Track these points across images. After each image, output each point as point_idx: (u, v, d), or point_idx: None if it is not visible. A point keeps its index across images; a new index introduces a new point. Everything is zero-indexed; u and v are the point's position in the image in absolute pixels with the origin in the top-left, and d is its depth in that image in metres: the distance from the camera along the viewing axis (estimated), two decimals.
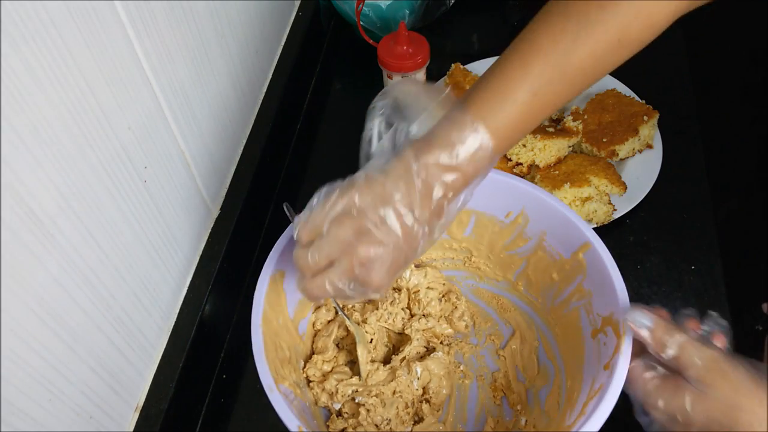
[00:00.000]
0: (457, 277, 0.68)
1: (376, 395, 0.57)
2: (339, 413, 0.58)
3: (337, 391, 0.57)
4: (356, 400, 0.57)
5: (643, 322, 0.46)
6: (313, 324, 0.62)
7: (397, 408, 0.57)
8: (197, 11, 0.59)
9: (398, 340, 0.64)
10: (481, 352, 0.63)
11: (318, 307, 0.63)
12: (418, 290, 0.64)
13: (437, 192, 0.44)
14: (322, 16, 0.95)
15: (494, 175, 0.58)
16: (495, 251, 0.65)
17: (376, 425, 0.56)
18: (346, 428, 0.57)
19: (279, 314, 0.56)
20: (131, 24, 0.49)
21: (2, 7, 0.36)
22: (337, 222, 0.45)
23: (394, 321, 0.63)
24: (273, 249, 0.56)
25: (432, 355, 0.61)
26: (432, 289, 0.65)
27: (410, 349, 0.61)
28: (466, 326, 0.64)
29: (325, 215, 0.45)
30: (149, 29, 0.51)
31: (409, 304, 0.65)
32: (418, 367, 0.59)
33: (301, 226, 0.47)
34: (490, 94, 0.45)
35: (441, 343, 0.63)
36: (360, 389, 0.57)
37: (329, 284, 0.45)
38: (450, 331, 0.63)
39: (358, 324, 0.62)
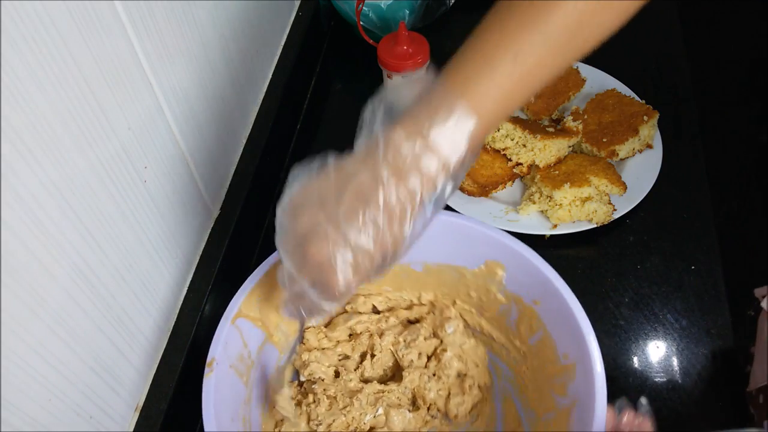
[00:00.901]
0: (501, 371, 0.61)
1: (331, 396, 0.56)
2: (300, 384, 0.58)
3: (307, 365, 0.57)
4: (313, 386, 0.57)
5: None
6: None
7: (335, 421, 0.55)
8: (197, 11, 0.59)
9: (395, 372, 0.61)
10: None
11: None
12: (446, 350, 0.59)
13: (412, 180, 0.40)
14: (322, 16, 0.95)
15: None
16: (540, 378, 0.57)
17: (309, 418, 0.56)
18: (294, 397, 0.57)
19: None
20: (131, 24, 0.49)
21: (2, 7, 0.36)
22: (293, 215, 0.42)
23: (403, 355, 0.59)
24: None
25: (401, 410, 0.57)
26: (462, 360, 0.59)
27: (392, 391, 0.58)
28: (457, 416, 0.58)
29: (286, 206, 0.42)
30: (149, 29, 0.51)
31: (435, 352, 0.60)
32: (380, 409, 0.57)
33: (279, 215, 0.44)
34: (468, 66, 0.40)
35: (423, 408, 0.58)
36: (324, 380, 0.57)
37: (288, 290, 0.43)
38: (439, 410, 0.59)
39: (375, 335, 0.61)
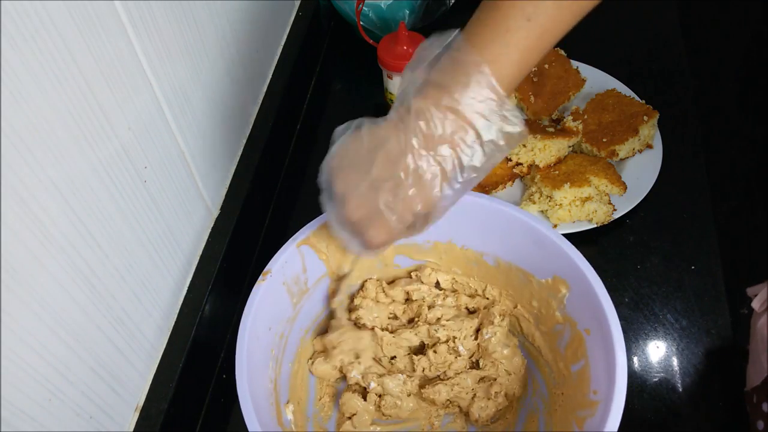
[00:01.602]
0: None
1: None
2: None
3: (356, 310, 0.61)
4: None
5: None
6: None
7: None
8: (197, 11, 0.59)
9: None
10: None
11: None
12: (488, 347, 0.60)
13: (440, 146, 0.43)
14: (322, 16, 0.95)
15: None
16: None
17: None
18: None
19: None
20: (131, 24, 0.49)
21: (2, 7, 0.36)
22: (332, 175, 0.46)
23: (438, 338, 0.60)
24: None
25: (398, 377, 0.59)
26: (494, 366, 0.59)
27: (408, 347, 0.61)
28: (478, 420, 0.58)
29: (325, 166, 0.47)
30: (149, 29, 0.51)
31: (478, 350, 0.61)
32: (372, 382, 0.59)
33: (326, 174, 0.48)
34: (486, 31, 0.42)
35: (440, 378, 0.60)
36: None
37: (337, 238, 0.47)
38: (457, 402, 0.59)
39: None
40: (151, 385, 0.56)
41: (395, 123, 0.44)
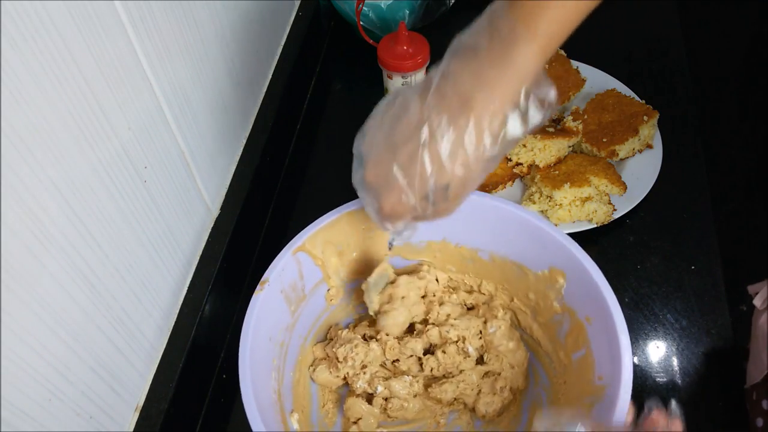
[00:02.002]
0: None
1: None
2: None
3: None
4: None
5: None
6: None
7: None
8: (197, 11, 0.59)
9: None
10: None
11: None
12: (493, 340, 0.60)
13: (460, 118, 0.41)
14: (322, 16, 0.95)
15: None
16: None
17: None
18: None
19: None
20: (131, 24, 0.49)
21: (2, 7, 0.36)
22: (362, 138, 0.46)
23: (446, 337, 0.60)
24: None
25: (404, 378, 0.59)
26: (498, 360, 0.59)
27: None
28: (485, 416, 0.58)
29: (361, 130, 0.47)
30: (149, 29, 0.51)
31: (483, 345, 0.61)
32: (379, 386, 0.59)
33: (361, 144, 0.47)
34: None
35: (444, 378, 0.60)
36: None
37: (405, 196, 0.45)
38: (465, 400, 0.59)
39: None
40: (151, 385, 0.56)
41: (421, 89, 0.44)
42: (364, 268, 0.63)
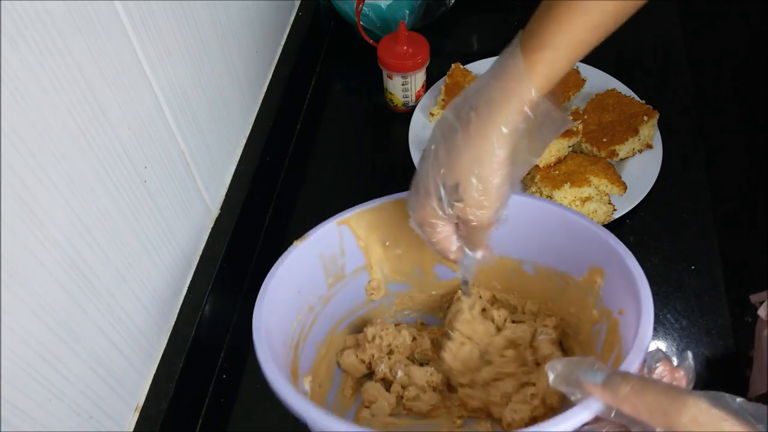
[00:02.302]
0: None
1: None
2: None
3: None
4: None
5: (594, 379, 0.38)
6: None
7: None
8: (197, 11, 0.59)
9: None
10: None
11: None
12: (540, 346, 0.57)
13: (488, 136, 0.46)
14: (322, 16, 0.95)
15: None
16: None
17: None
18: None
19: None
20: (131, 24, 0.49)
21: (2, 7, 0.36)
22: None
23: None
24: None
25: (426, 368, 0.58)
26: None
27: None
28: (511, 425, 0.54)
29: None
30: (149, 29, 0.51)
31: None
32: (400, 371, 0.58)
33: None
34: (545, 36, 0.47)
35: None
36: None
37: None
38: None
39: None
40: (151, 385, 0.56)
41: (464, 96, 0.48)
42: (408, 271, 0.62)
